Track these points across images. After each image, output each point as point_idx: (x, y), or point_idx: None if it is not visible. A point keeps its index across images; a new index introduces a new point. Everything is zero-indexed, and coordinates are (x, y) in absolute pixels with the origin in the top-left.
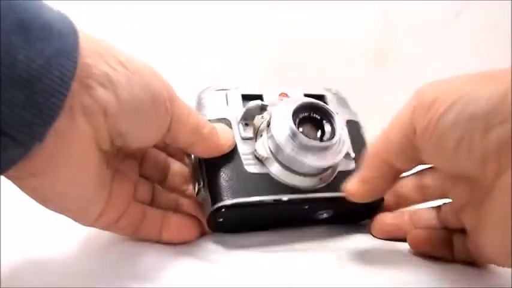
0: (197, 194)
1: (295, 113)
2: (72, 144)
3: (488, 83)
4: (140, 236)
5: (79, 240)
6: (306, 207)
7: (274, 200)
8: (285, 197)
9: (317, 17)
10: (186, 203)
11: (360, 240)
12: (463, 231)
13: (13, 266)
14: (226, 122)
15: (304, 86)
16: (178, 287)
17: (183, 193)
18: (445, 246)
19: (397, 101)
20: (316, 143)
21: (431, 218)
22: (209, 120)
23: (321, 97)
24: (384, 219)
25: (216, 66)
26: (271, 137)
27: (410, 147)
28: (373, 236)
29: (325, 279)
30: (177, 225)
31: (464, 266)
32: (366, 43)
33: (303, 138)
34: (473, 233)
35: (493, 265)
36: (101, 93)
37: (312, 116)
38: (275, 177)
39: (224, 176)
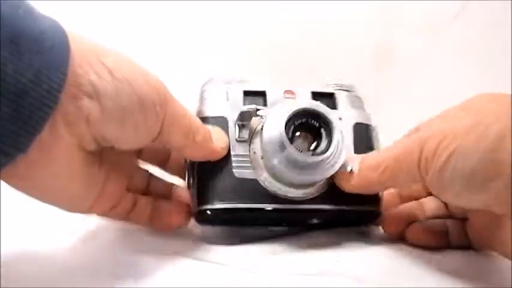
0: (188, 187)
1: (292, 119)
2: (54, 153)
3: (477, 133)
4: (130, 222)
5: (78, 241)
6: (294, 215)
7: (258, 209)
8: (269, 207)
9: (317, 18)
10: (179, 190)
11: (359, 242)
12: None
13: (13, 265)
14: (223, 120)
15: (313, 83)
16: (176, 287)
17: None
18: (442, 234)
19: (397, 100)
20: (305, 158)
21: (438, 208)
22: (207, 118)
23: (329, 96)
24: (397, 212)
25: (215, 66)
26: (262, 143)
27: (416, 179)
28: (385, 231)
29: (324, 278)
30: (166, 213)
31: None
32: (365, 43)
33: (291, 152)
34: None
35: (491, 267)
36: (86, 103)
37: (310, 122)
38: (263, 185)
39: (212, 178)
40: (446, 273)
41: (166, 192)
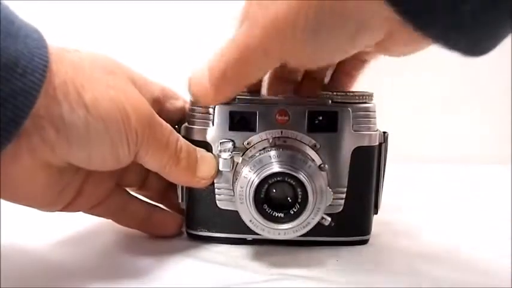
0: (181, 200)
1: (268, 178)
2: (14, 176)
3: None
4: (120, 223)
5: (78, 242)
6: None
7: (239, 239)
8: (249, 237)
9: None
10: (175, 197)
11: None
12: None
13: (13, 265)
14: (207, 146)
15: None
16: (175, 287)
17: None
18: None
19: (397, 100)
20: (274, 226)
21: None
22: (192, 141)
23: (330, 115)
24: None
25: None
26: (234, 195)
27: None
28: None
29: (322, 276)
30: (158, 223)
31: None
32: None
33: (260, 220)
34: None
35: (491, 267)
36: (52, 135)
37: (287, 180)
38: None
39: (198, 204)
40: (447, 275)
41: (161, 192)
